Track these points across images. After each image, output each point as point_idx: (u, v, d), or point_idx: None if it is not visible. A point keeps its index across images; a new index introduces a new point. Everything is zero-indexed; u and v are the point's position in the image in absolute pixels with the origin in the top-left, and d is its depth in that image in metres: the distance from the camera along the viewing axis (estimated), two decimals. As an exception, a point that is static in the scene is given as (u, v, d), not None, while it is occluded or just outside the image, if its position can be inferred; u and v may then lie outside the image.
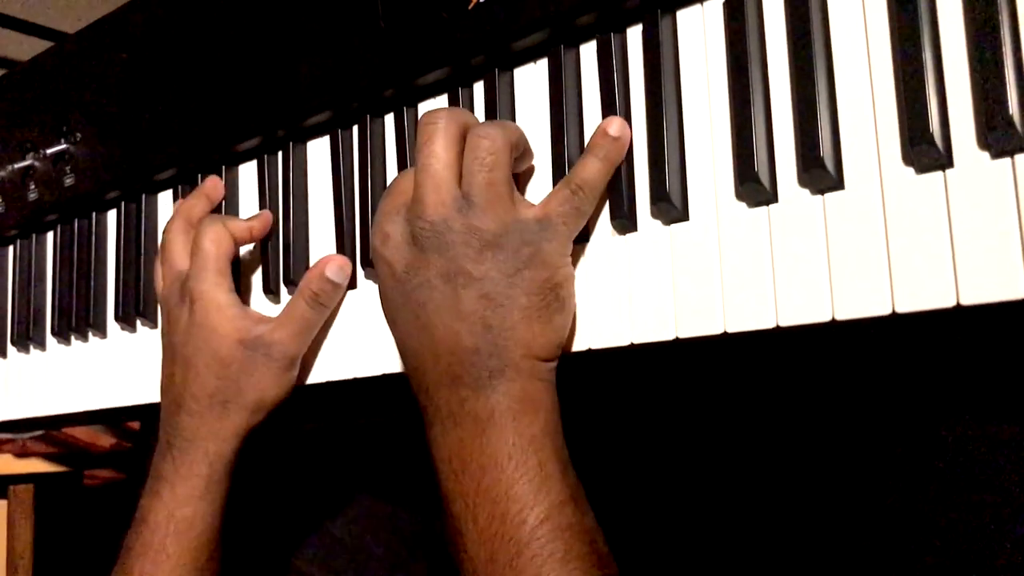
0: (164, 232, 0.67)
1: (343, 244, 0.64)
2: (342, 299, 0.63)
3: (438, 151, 0.50)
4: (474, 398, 0.48)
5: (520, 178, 0.56)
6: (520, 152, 0.53)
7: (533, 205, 0.51)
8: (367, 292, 0.62)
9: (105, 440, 1.42)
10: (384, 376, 0.61)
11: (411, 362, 0.52)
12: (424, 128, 0.51)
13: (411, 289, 0.50)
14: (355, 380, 0.63)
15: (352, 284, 0.63)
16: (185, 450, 0.61)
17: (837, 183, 0.44)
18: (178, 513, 0.60)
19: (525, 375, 0.48)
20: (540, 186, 0.55)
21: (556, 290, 0.49)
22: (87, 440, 1.39)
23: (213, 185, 0.70)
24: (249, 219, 0.67)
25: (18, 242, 0.91)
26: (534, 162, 0.56)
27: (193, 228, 0.66)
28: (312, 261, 0.66)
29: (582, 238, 0.52)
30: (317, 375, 0.65)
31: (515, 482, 0.46)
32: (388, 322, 0.53)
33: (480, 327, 0.48)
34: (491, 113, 0.57)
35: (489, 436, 0.47)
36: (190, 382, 0.61)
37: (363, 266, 0.62)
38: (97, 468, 1.40)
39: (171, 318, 0.64)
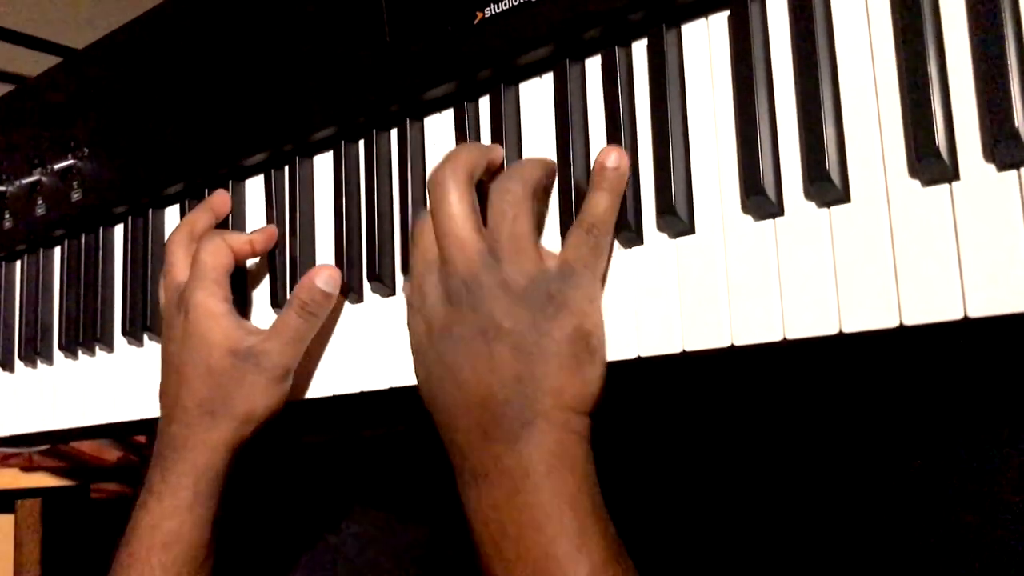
0: (167, 244, 0.68)
1: (346, 258, 0.64)
2: (339, 311, 0.64)
3: (453, 211, 0.51)
4: (508, 454, 0.47)
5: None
6: (544, 187, 0.53)
7: (554, 254, 0.51)
8: (373, 305, 0.62)
9: (111, 454, 1.42)
10: (389, 389, 0.61)
11: (444, 419, 0.51)
12: (433, 190, 0.52)
13: (446, 346, 0.50)
14: (360, 394, 0.63)
15: (359, 298, 0.63)
16: (175, 460, 0.61)
17: (843, 196, 0.45)
18: (164, 525, 0.60)
19: (558, 427, 0.47)
20: (552, 200, 0.55)
21: (586, 339, 0.49)
22: (94, 454, 1.39)
23: (220, 199, 0.70)
24: (251, 233, 0.67)
25: (26, 257, 0.91)
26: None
27: (195, 241, 0.66)
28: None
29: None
30: (324, 388, 0.65)
31: (554, 544, 0.45)
32: (420, 380, 0.53)
33: (511, 378, 0.48)
34: (497, 127, 0.57)
35: (525, 496, 0.47)
36: (181, 391, 0.62)
37: (369, 280, 0.62)
38: (104, 482, 1.40)
39: (169, 327, 0.65)
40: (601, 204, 0.50)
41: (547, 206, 0.55)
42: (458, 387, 0.50)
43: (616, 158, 0.51)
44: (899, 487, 0.59)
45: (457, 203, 0.51)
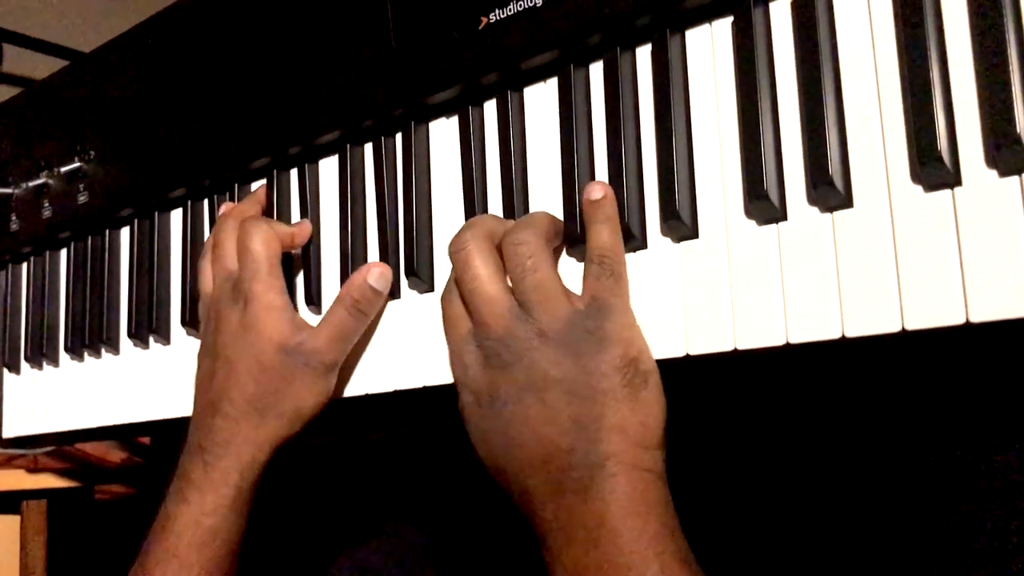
0: (215, 233, 0.66)
1: (351, 258, 0.64)
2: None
3: (479, 272, 0.51)
4: (581, 504, 0.46)
5: None
6: (557, 234, 0.53)
7: (578, 295, 0.51)
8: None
9: (116, 455, 1.43)
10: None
11: (514, 486, 0.50)
12: (456, 256, 0.52)
13: (497, 409, 0.50)
14: (367, 395, 0.63)
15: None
16: (219, 455, 0.59)
17: (846, 201, 0.45)
18: (205, 522, 0.59)
19: (628, 467, 0.46)
20: (551, 204, 0.56)
21: (635, 364, 0.48)
22: (98, 455, 1.40)
23: (264, 193, 0.70)
24: (292, 225, 0.66)
25: (32, 259, 0.92)
26: (546, 182, 0.56)
27: None
28: (324, 277, 0.67)
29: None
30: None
31: None
32: (481, 452, 0.52)
33: (570, 425, 0.47)
34: (503, 132, 0.58)
35: (604, 547, 0.45)
36: (230, 385, 0.60)
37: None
38: (108, 483, 1.40)
39: (220, 318, 0.62)
40: (602, 235, 0.51)
41: (560, 253, 0.55)
42: (520, 448, 0.49)
43: (599, 189, 0.51)
44: (901, 488, 0.59)
45: (482, 265, 0.51)
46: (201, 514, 0.59)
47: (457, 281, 0.52)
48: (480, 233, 0.52)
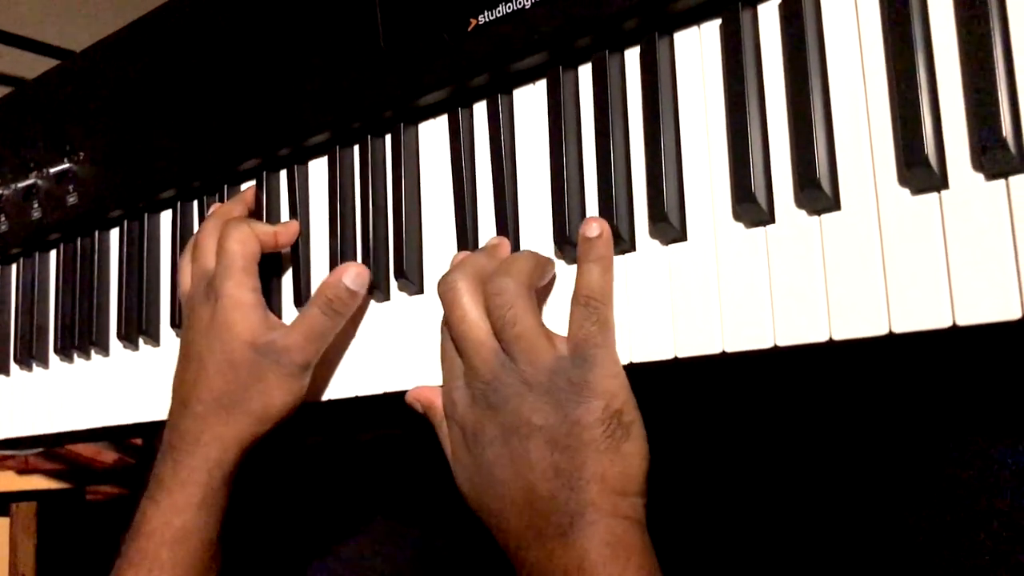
0: (198, 233, 0.66)
1: (340, 259, 0.64)
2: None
3: (465, 314, 0.51)
4: (561, 549, 0.47)
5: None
6: (541, 276, 0.53)
7: (563, 338, 0.50)
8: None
9: (108, 456, 1.42)
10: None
11: (495, 523, 0.51)
12: (444, 296, 0.52)
13: (482, 449, 0.50)
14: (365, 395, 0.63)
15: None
16: (187, 453, 0.59)
17: (833, 204, 0.45)
18: (175, 521, 0.58)
19: (607, 514, 0.47)
20: (541, 206, 0.56)
21: (618, 417, 0.48)
22: (90, 456, 1.39)
23: (252, 194, 0.69)
24: (276, 225, 0.66)
25: (21, 260, 0.92)
26: (535, 185, 0.56)
27: None
28: (313, 279, 0.67)
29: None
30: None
31: None
32: (463, 488, 0.53)
33: (552, 473, 0.48)
34: (493, 133, 0.58)
35: None
36: (199, 382, 0.60)
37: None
38: (100, 484, 1.40)
39: (194, 316, 0.63)
40: (592, 275, 0.50)
41: (549, 291, 0.55)
42: (501, 488, 0.49)
43: (597, 227, 0.51)
44: (889, 488, 0.60)
45: (468, 304, 0.51)
46: (171, 513, 0.59)
47: (446, 322, 0.53)
48: (468, 273, 0.52)
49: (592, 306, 0.50)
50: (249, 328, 0.60)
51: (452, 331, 0.52)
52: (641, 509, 0.48)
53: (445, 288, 0.52)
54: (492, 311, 0.50)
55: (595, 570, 0.46)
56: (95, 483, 1.39)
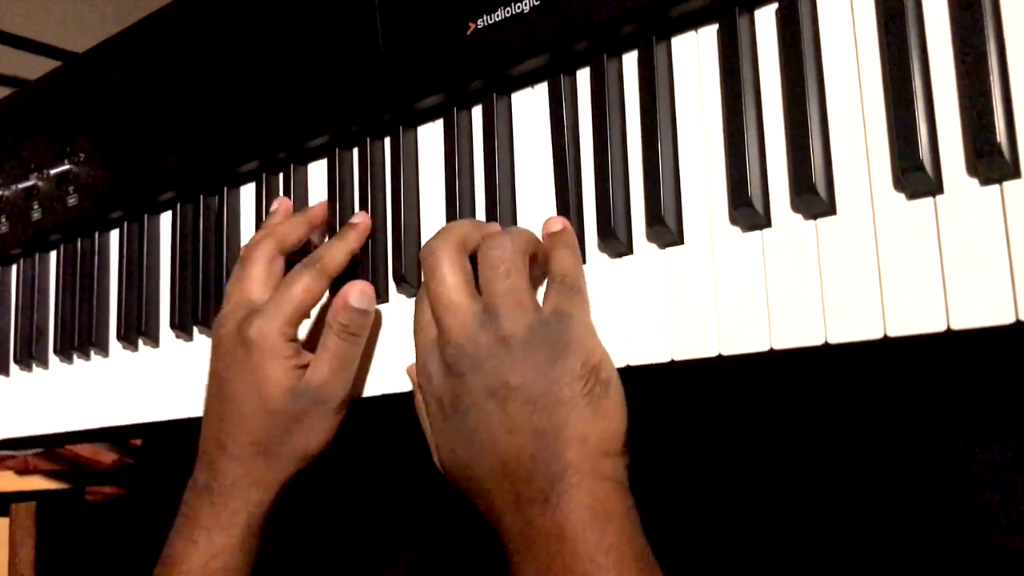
0: (249, 248, 0.62)
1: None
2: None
3: (445, 278, 0.50)
4: (541, 513, 0.46)
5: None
6: (534, 251, 0.53)
7: (543, 304, 0.51)
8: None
9: (107, 456, 1.42)
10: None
11: (476, 495, 0.50)
12: (425, 261, 0.52)
13: (460, 417, 0.49)
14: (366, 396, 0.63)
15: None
16: (227, 497, 0.58)
17: (829, 208, 0.45)
18: (214, 563, 0.57)
19: (588, 476, 0.46)
20: (539, 209, 0.56)
21: (595, 372, 0.48)
22: (89, 456, 1.39)
23: (320, 213, 0.65)
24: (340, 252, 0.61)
25: (21, 261, 0.92)
26: (533, 188, 0.57)
27: (282, 255, 0.63)
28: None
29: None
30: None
31: None
32: (444, 462, 0.52)
33: (531, 434, 0.47)
34: (489, 137, 0.58)
35: (564, 557, 0.45)
36: (235, 425, 0.58)
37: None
38: (99, 485, 1.40)
39: (224, 344, 0.60)
40: (565, 258, 0.52)
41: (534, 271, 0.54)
42: (481, 456, 0.49)
43: (559, 222, 0.52)
44: (883, 490, 0.60)
45: (449, 272, 0.50)
46: (210, 556, 0.58)
47: (425, 287, 0.52)
48: (452, 239, 0.52)
49: (567, 283, 0.50)
50: (286, 378, 0.57)
51: (430, 295, 0.51)
52: (623, 470, 0.48)
53: (427, 253, 0.52)
54: (485, 260, 0.50)
55: (578, 533, 0.45)
56: (94, 484, 1.39)
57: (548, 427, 0.47)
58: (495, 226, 0.56)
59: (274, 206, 0.67)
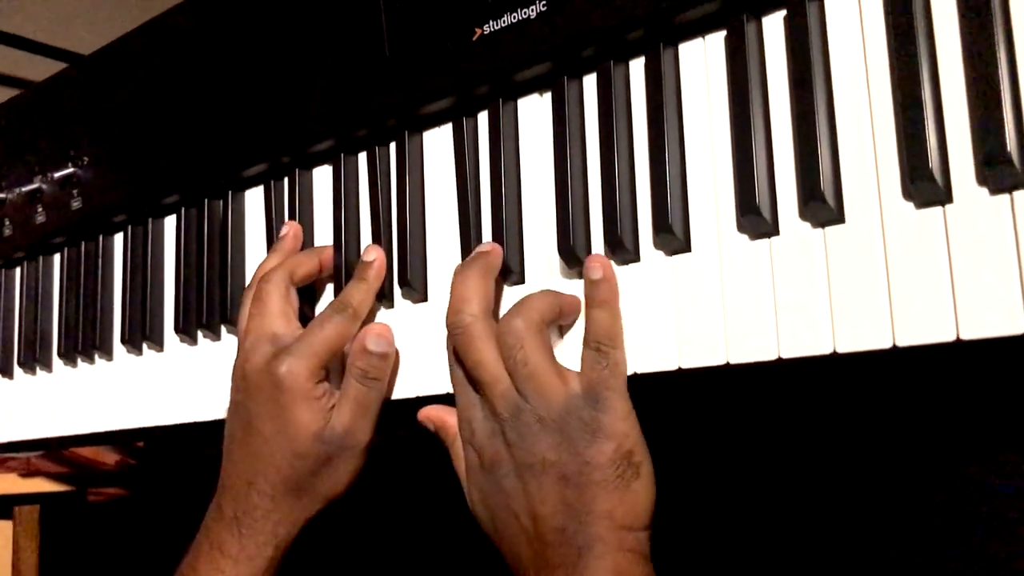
0: (264, 280, 0.62)
1: (341, 272, 0.64)
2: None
3: (482, 358, 0.52)
4: None
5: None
6: (559, 315, 0.52)
7: (576, 375, 0.51)
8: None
9: (110, 457, 1.42)
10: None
11: (506, 547, 0.53)
12: (457, 339, 0.53)
13: (498, 479, 0.52)
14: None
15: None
16: (255, 530, 0.59)
17: (838, 217, 0.45)
18: None
19: (614, 548, 0.48)
20: (544, 216, 0.56)
21: (628, 458, 0.49)
22: (92, 457, 1.39)
23: (330, 256, 0.65)
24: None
25: (25, 264, 0.92)
26: (539, 195, 0.56)
27: (293, 285, 0.63)
28: (314, 288, 0.67)
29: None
30: None
31: None
32: (475, 505, 0.55)
33: (562, 508, 0.49)
34: (495, 143, 0.58)
35: None
36: (264, 463, 0.59)
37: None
38: (102, 486, 1.40)
39: (250, 379, 0.59)
40: (600, 320, 0.51)
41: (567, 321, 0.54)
42: (514, 518, 0.51)
43: (600, 269, 0.51)
44: (891, 498, 0.60)
45: (482, 350, 0.52)
46: None
47: (461, 357, 0.53)
48: (477, 310, 0.52)
49: (603, 350, 0.50)
50: (315, 422, 0.58)
51: (467, 373, 0.53)
52: (646, 542, 0.50)
53: (456, 328, 0.53)
54: (503, 351, 0.51)
55: None
56: (97, 485, 1.39)
57: (578, 503, 0.49)
58: (496, 255, 0.55)
59: (284, 230, 0.67)
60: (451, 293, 0.54)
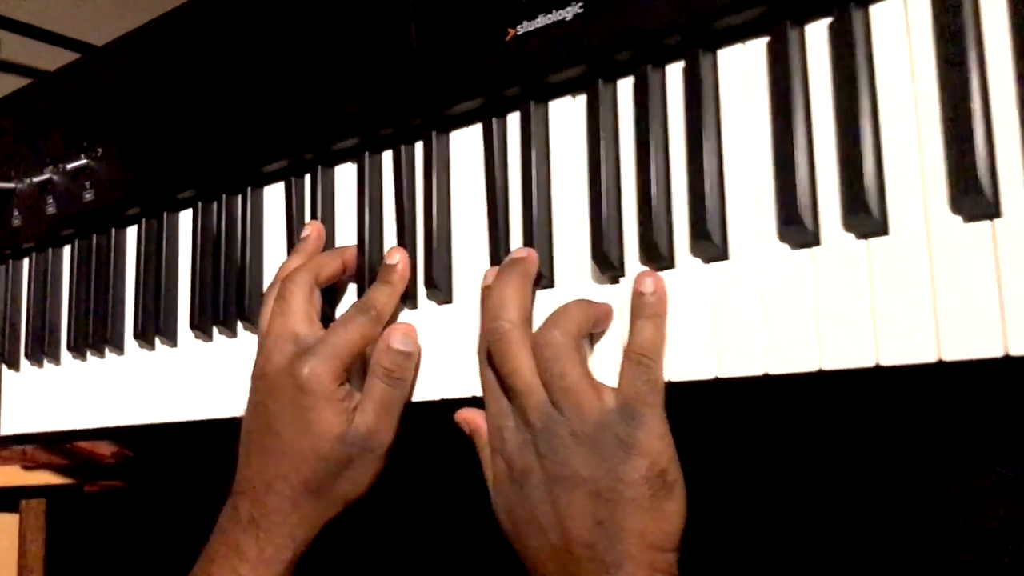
0: (288, 279, 0.61)
1: (364, 273, 0.64)
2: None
3: (519, 367, 0.51)
4: None
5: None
6: (593, 326, 0.52)
7: (613, 390, 0.50)
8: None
9: (106, 448, 1.41)
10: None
11: (530, 558, 0.52)
12: (495, 346, 0.52)
13: (526, 491, 0.51)
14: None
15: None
16: (273, 533, 0.58)
17: (882, 228, 0.44)
18: None
19: (645, 567, 0.48)
20: (576, 220, 0.55)
21: (662, 476, 0.49)
22: (88, 447, 1.38)
23: (352, 256, 0.65)
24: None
25: (34, 255, 0.91)
26: (571, 198, 0.56)
27: (317, 287, 0.62)
28: (336, 288, 0.66)
29: (619, 276, 0.52)
30: None
31: None
32: (501, 515, 0.54)
33: (592, 523, 0.49)
34: (526, 145, 0.57)
35: None
36: (284, 465, 0.58)
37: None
38: (99, 478, 1.39)
39: (271, 379, 0.59)
40: (645, 332, 0.50)
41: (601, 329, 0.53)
42: (541, 532, 0.51)
43: (651, 283, 0.50)
44: (934, 514, 0.59)
45: (519, 358, 0.51)
46: None
47: (496, 367, 0.53)
48: (515, 316, 0.52)
49: (644, 364, 0.49)
50: (337, 424, 0.57)
51: (501, 380, 0.53)
52: (675, 563, 0.49)
53: (494, 336, 0.52)
54: (539, 363, 0.51)
55: None
56: (95, 477, 1.38)
57: (610, 520, 0.48)
58: (533, 262, 0.55)
59: (307, 231, 0.66)
60: (489, 299, 0.53)
